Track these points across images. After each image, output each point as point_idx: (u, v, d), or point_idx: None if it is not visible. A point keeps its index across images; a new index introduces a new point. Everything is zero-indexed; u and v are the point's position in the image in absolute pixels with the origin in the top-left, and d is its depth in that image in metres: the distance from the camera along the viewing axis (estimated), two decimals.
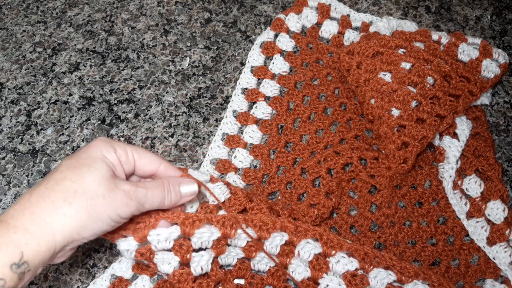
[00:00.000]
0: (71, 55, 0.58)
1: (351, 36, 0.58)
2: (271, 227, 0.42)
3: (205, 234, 0.39)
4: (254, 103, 0.55)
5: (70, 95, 0.55)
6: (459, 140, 0.50)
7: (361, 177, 0.49)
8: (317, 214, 0.47)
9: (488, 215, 0.48)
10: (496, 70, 0.52)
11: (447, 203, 0.49)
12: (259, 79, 0.57)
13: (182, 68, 0.57)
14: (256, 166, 0.52)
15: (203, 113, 0.55)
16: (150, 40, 0.59)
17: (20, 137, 0.52)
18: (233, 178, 0.50)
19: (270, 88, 0.56)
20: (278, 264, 0.42)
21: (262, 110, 0.54)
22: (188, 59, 0.58)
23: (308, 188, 0.49)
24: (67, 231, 0.30)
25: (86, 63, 0.57)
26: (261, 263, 0.42)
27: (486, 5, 0.63)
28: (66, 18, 0.61)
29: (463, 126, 0.50)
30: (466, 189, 0.49)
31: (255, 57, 0.57)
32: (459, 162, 0.50)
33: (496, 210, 0.48)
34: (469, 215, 0.49)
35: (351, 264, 0.42)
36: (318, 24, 0.59)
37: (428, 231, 0.48)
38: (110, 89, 0.56)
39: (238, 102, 0.55)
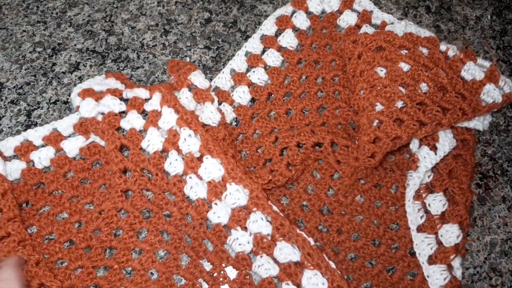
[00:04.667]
0: (71, 55, 0.58)
1: (367, 31, 0.57)
2: (208, 142, 0.47)
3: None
4: (253, 67, 0.56)
5: (70, 95, 0.55)
6: (435, 154, 0.49)
7: (328, 159, 0.50)
8: (270, 179, 0.48)
9: (441, 235, 0.47)
10: (497, 97, 0.49)
11: (405, 212, 0.49)
12: (265, 48, 0.58)
13: None
14: (236, 125, 0.54)
15: None
16: (150, 40, 0.59)
17: None
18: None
19: (273, 58, 0.57)
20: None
21: (258, 76, 0.55)
22: (188, 59, 0.58)
23: (274, 156, 0.50)
24: None
25: (86, 63, 0.57)
26: (195, 189, 0.46)
27: (486, 5, 0.63)
28: (66, 18, 0.61)
29: (445, 142, 0.49)
30: (429, 204, 0.49)
31: (268, 26, 0.59)
32: (432, 177, 0.50)
33: (451, 233, 0.47)
34: (421, 229, 0.48)
35: (265, 228, 0.44)
36: (338, 12, 0.60)
37: (375, 232, 0.49)
38: None
39: (238, 63, 0.57)
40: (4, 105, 0.54)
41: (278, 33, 0.59)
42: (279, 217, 0.45)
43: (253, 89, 0.55)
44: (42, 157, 0.50)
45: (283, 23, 0.58)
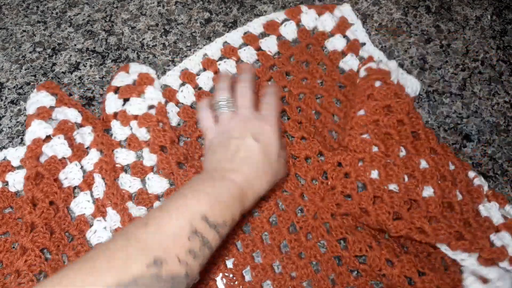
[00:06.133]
0: (71, 55, 0.58)
1: (349, 61, 0.56)
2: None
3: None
4: (226, 58, 0.56)
5: (70, 95, 0.55)
6: None
7: (292, 192, 0.48)
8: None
9: None
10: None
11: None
12: (245, 43, 0.58)
13: None
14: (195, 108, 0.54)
15: None
16: (150, 40, 0.59)
17: (20, 137, 0.52)
18: (172, 108, 0.53)
19: (248, 54, 0.57)
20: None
21: (228, 67, 0.56)
22: None
23: None
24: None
25: (86, 63, 0.57)
26: (99, 234, 0.46)
27: (486, 5, 0.63)
28: (66, 18, 0.61)
29: None
30: None
31: (255, 25, 0.59)
32: None
33: None
34: None
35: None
36: (330, 33, 0.59)
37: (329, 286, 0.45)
38: None
39: (213, 49, 0.57)
40: (4, 105, 0.54)
41: (261, 36, 0.58)
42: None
43: (217, 77, 0.55)
44: (17, 180, 0.48)
45: (270, 28, 0.58)
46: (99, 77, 0.56)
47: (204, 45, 0.59)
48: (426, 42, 0.60)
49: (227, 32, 0.60)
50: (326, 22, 0.58)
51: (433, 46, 0.60)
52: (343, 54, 0.57)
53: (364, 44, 0.58)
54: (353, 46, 0.57)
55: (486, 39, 0.61)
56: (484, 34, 0.61)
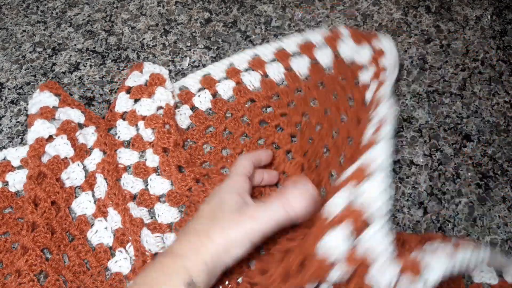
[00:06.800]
0: (71, 55, 0.58)
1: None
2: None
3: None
4: (252, 70, 0.55)
5: (70, 95, 0.55)
6: None
7: None
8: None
9: None
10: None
11: None
12: (274, 59, 0.56)
13: (182, 68, 0.57)
14: (209, 114, 0.54)
15: None
16: (150, 40, 0.59)
17: (20, 137, 0.52)
18: (185, 111, 0.53)
19: (276, 72, 0.55)
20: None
21: (252, 79, 0.55)
22: (188, 59, 0.58)
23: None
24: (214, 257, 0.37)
25: (86, 63, 0.57)
26: (99, 234, 0.46)
27: (486, 5, 0.63)
28: (66, 18, 0.61)
29: None
30: None
31: (290, 43, 0.56)
32: None
33: None
34: None
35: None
36: (366, 68, 0.54)
37: None
38: (110, 89, 0.56)
39: (241, 60, 0.56)
40: (4, 105, 0.55)
41: (294, 54, 0.56)
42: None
43: (238, 88, 0.54)
44: (17, 180, 0.48)
45: (305, 50, 0.55)
46: (99, 77, 0.56)
47: (204, 45, 0.59)
48: (426, 42, 0.60)
49: (227, 32, 0.60)
50: (363, 54, 0.54)
51: (433, 46, 0.60)
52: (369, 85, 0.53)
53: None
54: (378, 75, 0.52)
55: (486, 39, 0.61)
56: (484, 34, 0.61)
